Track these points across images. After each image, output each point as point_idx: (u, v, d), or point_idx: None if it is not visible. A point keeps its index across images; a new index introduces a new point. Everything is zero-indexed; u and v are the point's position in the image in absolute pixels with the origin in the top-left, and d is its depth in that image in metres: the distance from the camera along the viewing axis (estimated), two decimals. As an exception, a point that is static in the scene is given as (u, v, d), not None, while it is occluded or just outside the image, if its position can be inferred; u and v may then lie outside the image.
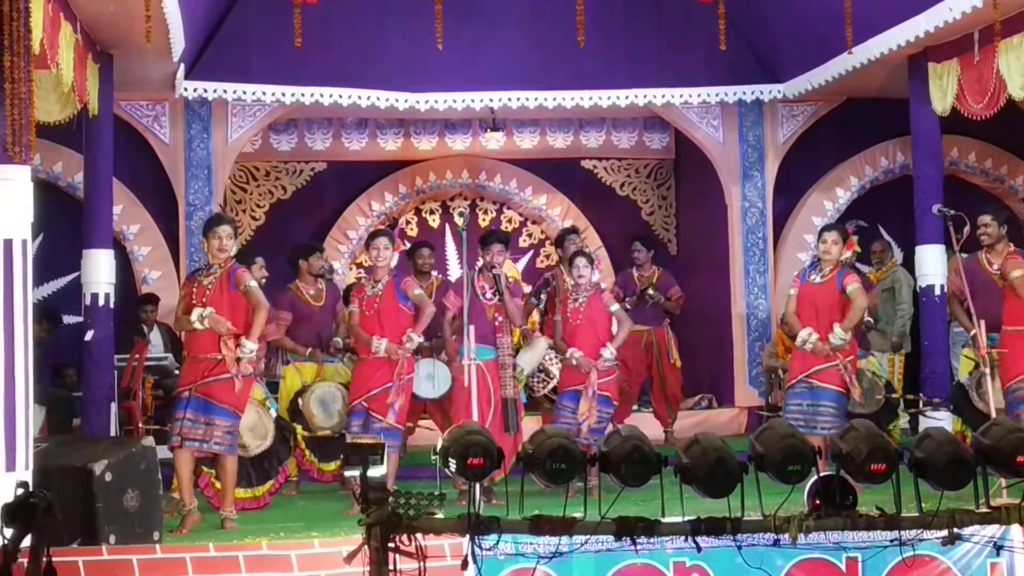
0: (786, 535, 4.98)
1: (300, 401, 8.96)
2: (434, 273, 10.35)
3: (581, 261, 9.00)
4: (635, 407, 11.15)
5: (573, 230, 10.76)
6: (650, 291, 10.89)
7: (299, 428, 8.94)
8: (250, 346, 7.66)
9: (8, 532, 4.12)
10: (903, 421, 9.76)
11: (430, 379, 8.98)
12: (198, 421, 7.64)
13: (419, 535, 4.86)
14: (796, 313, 8.42)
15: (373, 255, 8.41)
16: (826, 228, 8.73)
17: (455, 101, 11.31)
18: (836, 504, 5.02)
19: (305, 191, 13.09)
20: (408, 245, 10.82)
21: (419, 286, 8.75)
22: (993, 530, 5.70)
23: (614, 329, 9.07)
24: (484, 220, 13.35)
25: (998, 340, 8.22)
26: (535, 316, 10.40)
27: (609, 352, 8.86)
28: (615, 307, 9.10)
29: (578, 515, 4.97)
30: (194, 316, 7.64)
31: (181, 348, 8.80)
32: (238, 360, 7.63)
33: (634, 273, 11.21)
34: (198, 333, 7.70)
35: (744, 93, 11.56)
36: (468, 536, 4.94)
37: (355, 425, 8.26)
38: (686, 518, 5.00)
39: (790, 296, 8.57)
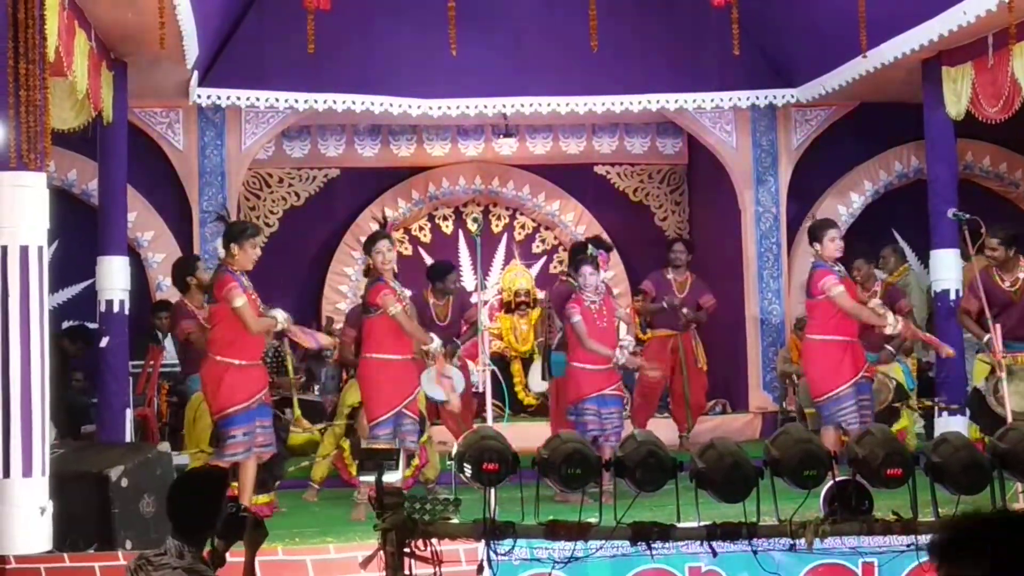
0: (802, 540, 4.96)
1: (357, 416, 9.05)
2: None
3: (587, 269, 9.05)
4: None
5: (591, 244, 10.53)
6: (685, 310, 10.86)
7: (346, 442, 9.02)
8: None
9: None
10: (911, 424, 9.74)
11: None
12: (267, 427, 7.76)
13: (434, 540, 4.86)
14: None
15: (379, 260, 8.19)
16: (826, 227, 8.55)
17: (468, 107, 11.32)
18: (852, 509, 5.00)
19: (318, 198, 13.12)
20: (406, 243, 10.91)
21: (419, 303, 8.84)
22: (1010, 535, 5.67)
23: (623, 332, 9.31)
24: (497, 226, 13.36)
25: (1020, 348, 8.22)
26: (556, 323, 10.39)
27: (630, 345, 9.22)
28: (621, 312, 9.19)
29: (593, 520, 4.97)
30: (280, 317, 7.68)
31: (191, 358, 8.76)
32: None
33: (668, 275, 11.12)
34: (257, 339, 7.73)
35: (757, 98, 11.56)
36: (483, 541, 4.94)
37: (385, 434, 8.05)
38: (701, 523, 4.99)
39: (841, 292, 8.23)
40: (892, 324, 8.23)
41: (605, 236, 11.85)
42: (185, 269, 9.01)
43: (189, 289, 8.85)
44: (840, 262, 8.55)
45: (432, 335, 8.24)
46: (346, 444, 9.03)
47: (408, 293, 8.56)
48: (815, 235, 8.53)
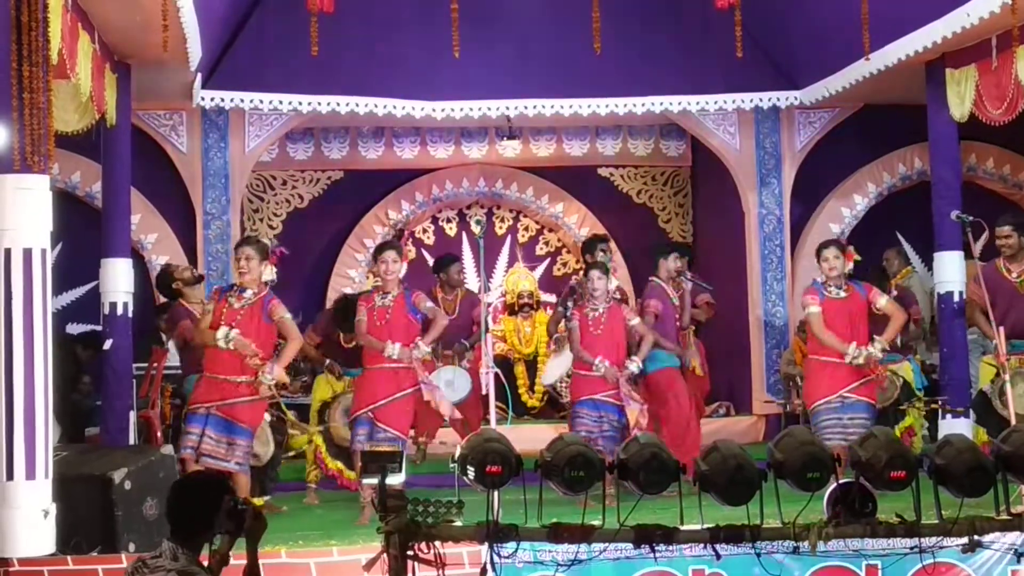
0: (805, 543, 4.96)
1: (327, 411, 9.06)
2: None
3: (595, 273, 9.02)
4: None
5: (603, 239, 10.43)
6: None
7: (318, 437, 9.03)
8: (274, 374, 7.81)
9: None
10: (918, 424, 9.72)
11: (449, 385, 9.16)
12: (220, 441, 7.79)
13: (438, 543, 4.86)
14: (828, 328, 8.35)
15: (383, 269, 8.35)
16: (823, 246, 8.66)
17: (471, 109, 11.32)
18: (856, 511, 5.00)
19: (322, 200, 13.13)
20: (412, 250, 10.75)
21: (429, 300, 8.75)
22: (1013, 537, 5.67)
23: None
24: (500, 228, 13.36)
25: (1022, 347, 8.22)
26: (562, 324, 10.38)
27: (635, 365, 8.89)
28: (635, 321, 9.06)
29: (597, 523, 4.97)
30: (220, 334, 7.72)
31: (190, 358, 8.87)
32: (259, 384, 7.79)
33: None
34: (221, 353, 7.79)
35: (761, 100, 11.55)
36: (487, 544, 4.94)
37: (361, 434, 8.24)
38: (705, 526, 4.99)
39: (813, 312, 8.39)
40: (852, 355, 8.23)
41: (604, 235, 11.80)
42: (165, 279, 9.43)
43: (181, 293, 9.15)
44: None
45: (388, 342, 8.18)
46: (319, 440, 9.08)
47: (434, 305, 8.67)
48: (816, 256, 8.67)
